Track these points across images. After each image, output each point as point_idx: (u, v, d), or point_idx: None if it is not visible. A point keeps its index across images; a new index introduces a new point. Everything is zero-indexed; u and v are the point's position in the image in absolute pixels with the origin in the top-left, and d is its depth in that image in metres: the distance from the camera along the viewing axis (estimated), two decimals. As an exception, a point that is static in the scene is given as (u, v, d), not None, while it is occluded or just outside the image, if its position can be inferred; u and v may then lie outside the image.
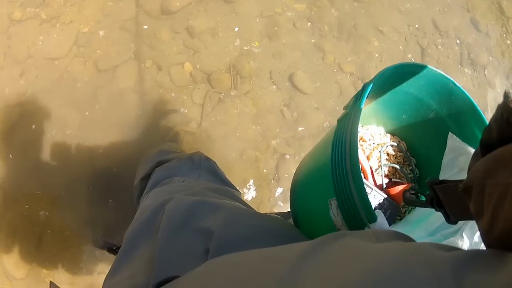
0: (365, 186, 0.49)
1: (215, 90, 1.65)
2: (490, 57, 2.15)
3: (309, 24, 1.90)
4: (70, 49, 1.60)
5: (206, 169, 0.92)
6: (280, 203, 1.60)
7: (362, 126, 0.70)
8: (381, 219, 0.44)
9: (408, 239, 0.33)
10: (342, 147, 0.48)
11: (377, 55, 1.94)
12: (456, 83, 0.56)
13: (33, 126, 1.48)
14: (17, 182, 1.43)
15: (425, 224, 0.55)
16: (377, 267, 0.25)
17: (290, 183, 0.68)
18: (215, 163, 0.99)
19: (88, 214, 1.43)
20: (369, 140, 0.68)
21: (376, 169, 0.65)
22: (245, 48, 1.76)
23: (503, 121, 0.27)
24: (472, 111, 0.56)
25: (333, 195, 0.49)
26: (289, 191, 0.68)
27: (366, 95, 0.50)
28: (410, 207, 0.65)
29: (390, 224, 0.58)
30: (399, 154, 0.68)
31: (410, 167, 0.68)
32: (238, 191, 0.98)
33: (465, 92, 0.56)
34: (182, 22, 1.72)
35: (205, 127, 1.60)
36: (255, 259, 0.34)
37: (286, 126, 1.69)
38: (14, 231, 1.38)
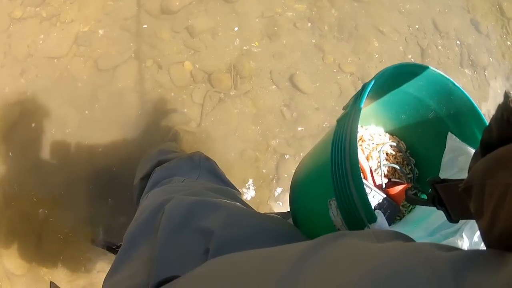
0: (365, 186, 0.49)
1: (215, 90, 1.65)
2: (490, 58, 2.15)
3: (309, 24, 1.90)
4: (70, 48, 1.60)
5: (206, 169, 0.92)
6: (279, 203, 1.60)
7: (362, 126, 0.70)
8: (381, 219, 0.44)
9: (408, 239, 0.33)
10: (341, 147, 0.48)
11: (377, 55, 1.94)
12: (456, 83, 0.56)
13: (33, 125, 1.48)
14: (17, 181, 1.43)
15: (425, 224, 0.55)
16: (377, 267, 0.25)
17: (290, 183, 0.68)
18: (215, 163, 0.99)
19: (88, 213, 1.43)
20: (369, 140, 0.68)
21: (376, 169, 0.65)
22: (244, 48, 1.76)
23: (503, 121, 0.27)
24: (472, 111, 0.56)
25: (333, 195, 0.49)
26: (289, 191, 0.68)
27: (366, 95, 0.50)
28: (410, 207, 0.65)
29: (390, 224, 0.58)
30: (398, 154, 0.68)
31: (410, 167, 0.68)
32: (238, 191, 0.98)
33: (465, 92, 0.56)
34: (182, 21, 1.72)
35: (205, 126, 1.60)
36: (255, 259, 0.34)
37: (286, 126, 1.69)
38: (14, 229, 1.38)
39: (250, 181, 1.59)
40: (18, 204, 1.40)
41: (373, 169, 0.65)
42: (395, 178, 0.66)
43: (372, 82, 0.51)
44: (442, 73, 0.56)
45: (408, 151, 0.69)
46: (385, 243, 0.30)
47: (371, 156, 0.66)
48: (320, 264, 0.29)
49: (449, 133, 0.60)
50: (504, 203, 0.25)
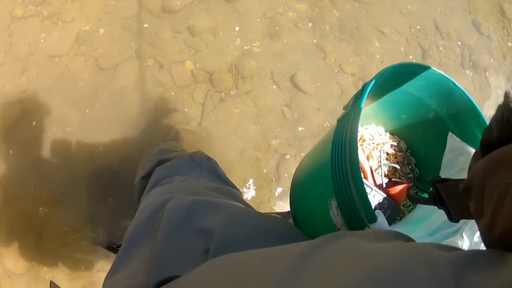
0: (365, 186, 0.49)
1: (216, 90, 1.65)
2: (491, 59, 2.14)
3: (311, 24, 1.90)
4: (71, 47, 1.60)
5: (207, 168, 0.92)
6: (280, 203, 1.60)
7: (362, 126, 0.70)
8: (381, 219, 0.44)
9: (408, 239, 0.33)
10: (342, 147, 0.48)
11: (378, 56, 1.94)
12: (456, 83, 0.56)
13: (34, 124, 1.49)
14: (17, 179, 1.43)
15: (425, 224, 0.55)
16: (377, 267, 0.25)
17: (290, 183, 0.68)
18: (216, 162, 0.99)
19: (88, 212, 1.43)
20: (369, 139, 0.68)
21: (376, 169, 0.65)
22: (246, 47, 1.76)
23: (504, 121, 0.27)
24: (472, 111, 0.56)
25: (333, 195, 0.49)
26: (289, 191, 0.68)
27: (366, 94, 0.50)
28: (410, 207, 0.65)
29: (390, 224, 0.58)
30: (399, 153, 0.68)
31: (410, 167, 0.68)
32: (239, 190, 0.98)
33: (465, 92, 0.56)
34: (183, 21, 1.72)
35: (206, 126, 1.60)
36: (255, 259, 0.34)
37: (286, 126, 1.69)
38: (14, 228, 1.38)
39: (251, 180, 1.59)
40: (19, 203, 1.41)
41: (373, 169, 0.65)
42: (395, 177, 0.66)
43: (372, 82, 0.51)
44: (442, 72, 0.56)
45: (409, 150, 0.69)
46: (385, 243, 0.30)
47: (372, 156, 0.66)
48: (320, 264, 0.29)
49: (450, 133, 0.60)
50: (504, 203, 0.25)
